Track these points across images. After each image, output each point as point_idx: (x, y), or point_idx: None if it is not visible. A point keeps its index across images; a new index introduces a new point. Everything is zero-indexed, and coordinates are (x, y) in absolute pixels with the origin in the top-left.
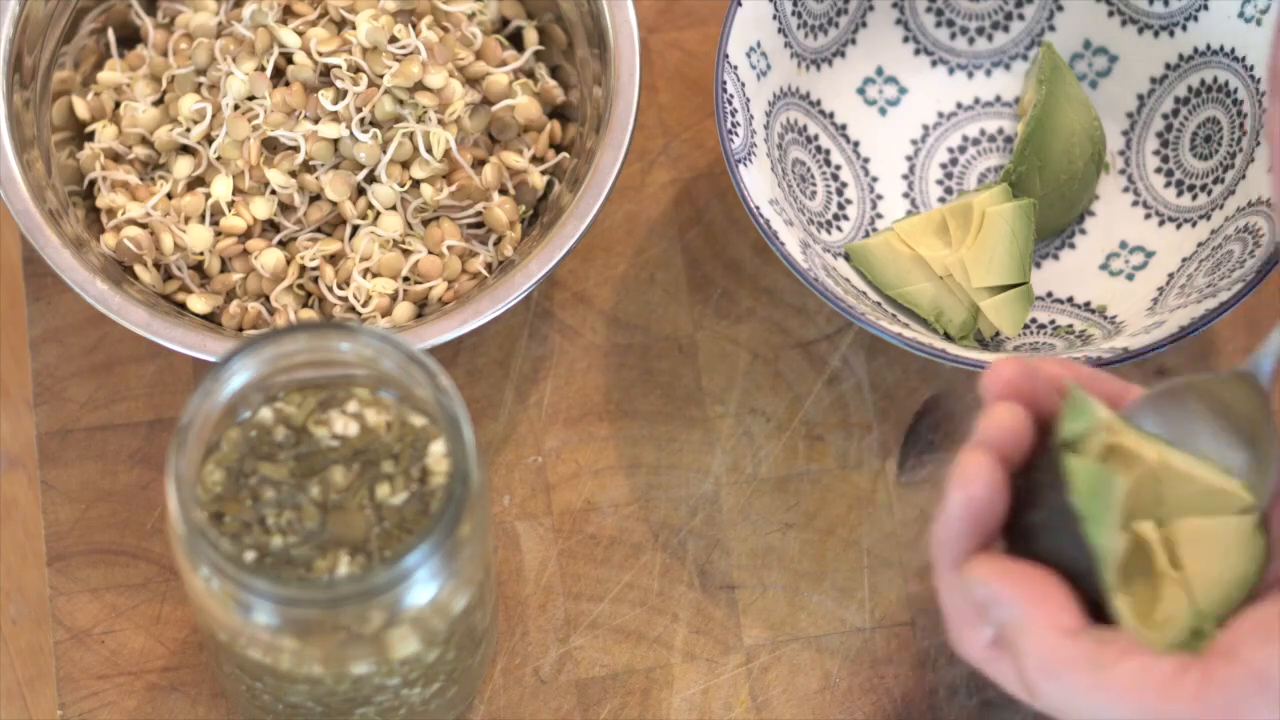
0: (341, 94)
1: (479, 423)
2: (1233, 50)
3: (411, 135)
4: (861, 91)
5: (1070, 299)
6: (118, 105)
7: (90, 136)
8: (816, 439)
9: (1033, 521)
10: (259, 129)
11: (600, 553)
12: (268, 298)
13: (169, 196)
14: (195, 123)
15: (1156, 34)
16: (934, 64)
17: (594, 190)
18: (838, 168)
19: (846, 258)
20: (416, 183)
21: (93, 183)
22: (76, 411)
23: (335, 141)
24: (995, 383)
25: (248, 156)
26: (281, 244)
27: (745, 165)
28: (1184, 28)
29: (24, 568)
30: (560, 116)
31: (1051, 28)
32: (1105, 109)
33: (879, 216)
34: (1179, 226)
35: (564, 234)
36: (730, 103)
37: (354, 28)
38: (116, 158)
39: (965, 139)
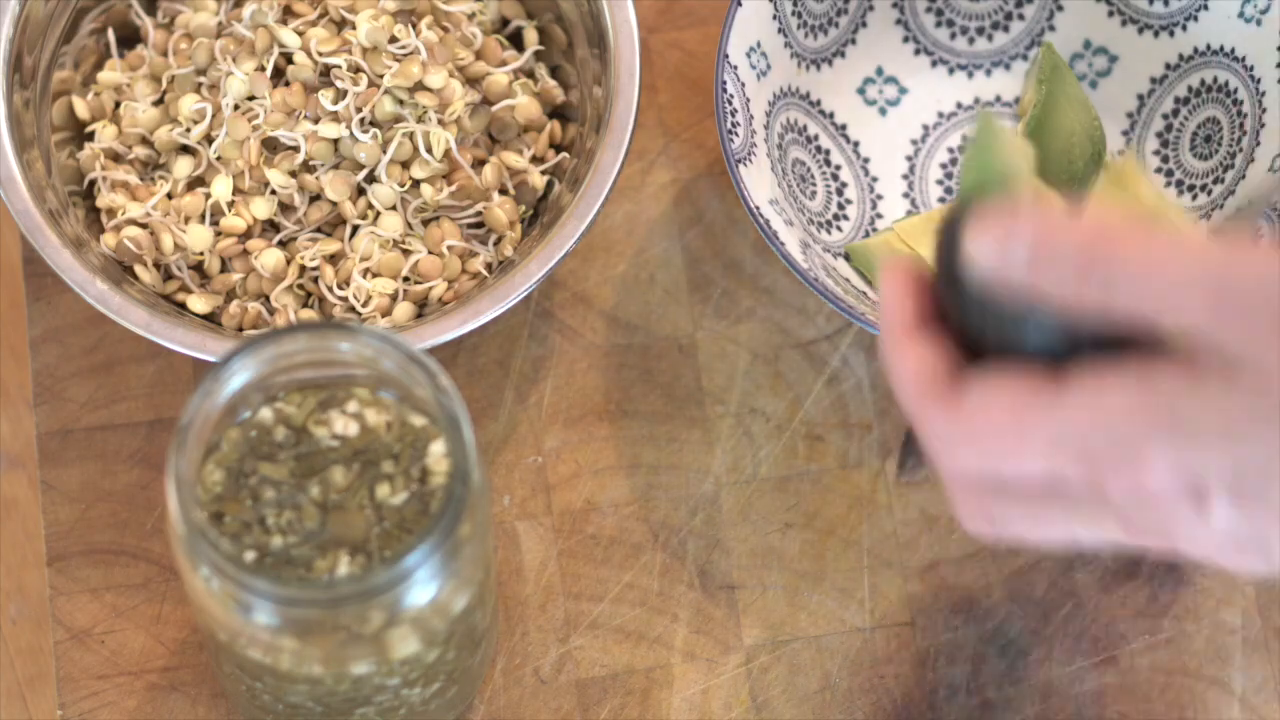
0: (341, 94)
1: (479, 423)
2: (1233, 50)
3: (411, 135)
4: (861, 91)
5: None
6: (118, 105)
7: (90, 136)
8: (816, 439)
9: (964, 324)
10: (259, 129)
11: (600, 553)
12: (268, 298)
13: (169, 196)
14: (195, 123)
15: (1156, 34)
16: (934, 64)
17: (594, 190)
18: (838, 168)
19: (846, 258)
20: (416, 183)
21: (93, 183)
22: (76, 411)
23: (335, 141)
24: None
25: (248, 156)
26: (281, 244)
27: (745, 165)
28: (1184, 28)
29: (24, 568)
30: (560, 116)
31: (1051, 28)
32: (1105, 109)
33: (879, 216)
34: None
35: (564, 234)
36: (730, 103)
37: (354, 28)
38: (116, 158)
39: (966, 139)
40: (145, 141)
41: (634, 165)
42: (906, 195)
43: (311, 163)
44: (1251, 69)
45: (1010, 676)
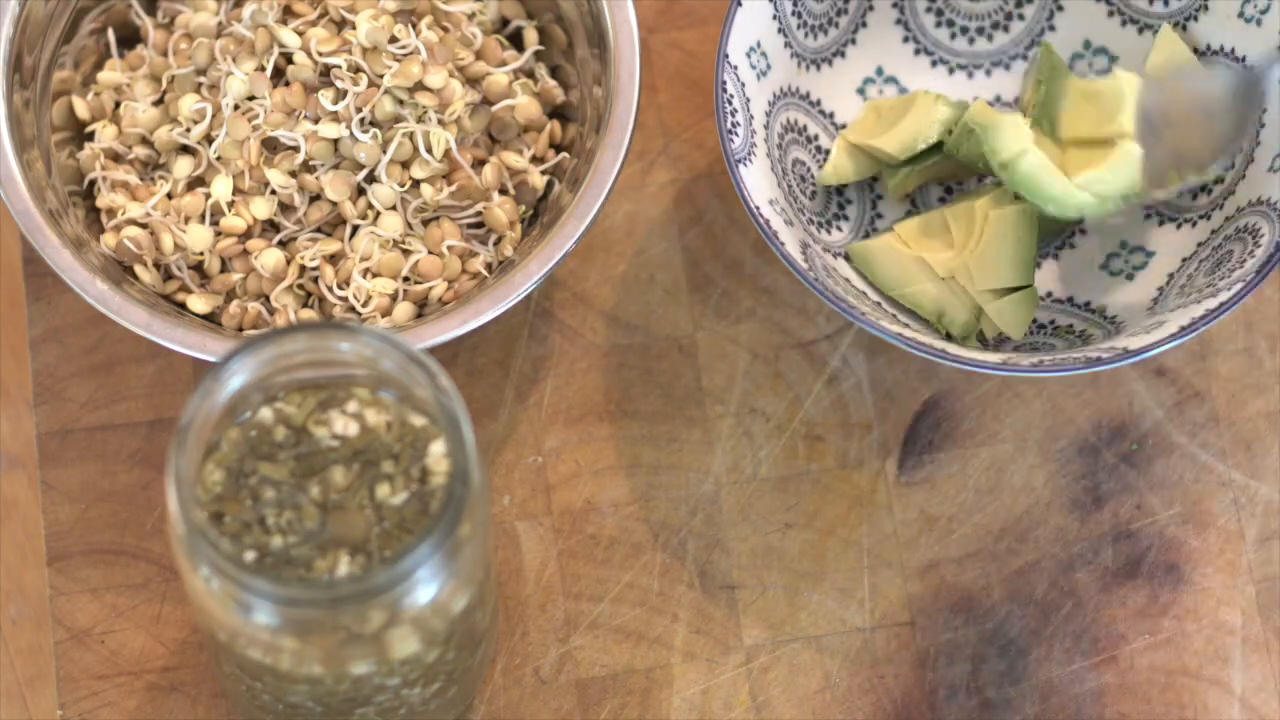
0: (341, 94)
1: (479, 423)
2: (1233, 50)
3: (411, 135)
4: (861, 92)
5: (1070, 299)
6: (118, 105)
7: (90, 136)
8: (816, 439)
9: None
10: (259, 129)
11: (600, 553)
12: (268, 298)
13: (169, 196)
14: (195, 123)
15: (1156, 33)
16: (934, 64)
17: (594, 190)
18: None
19: (847, 258)
20: (416, 183)
21: (93, 183)
22: (76, 411)
23: (335, 141)
24: None
25: (248, 156)
26: (281, 244)
27: (745, 165)
28: (1184, 27)
29: (24, 568)
30: (560, 116)
31: (1051, 28)
32: None
33: (879, 217)
34: (1179, 226)
35: (564, 234)
36: (730, 103)
37: (354, 28)
38: (116, 158)
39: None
40: (145, 141)
41: (634, 165)
42: (907, 195)
43: (311, 163)
44: (1252, 69)
45: (1010, 676)
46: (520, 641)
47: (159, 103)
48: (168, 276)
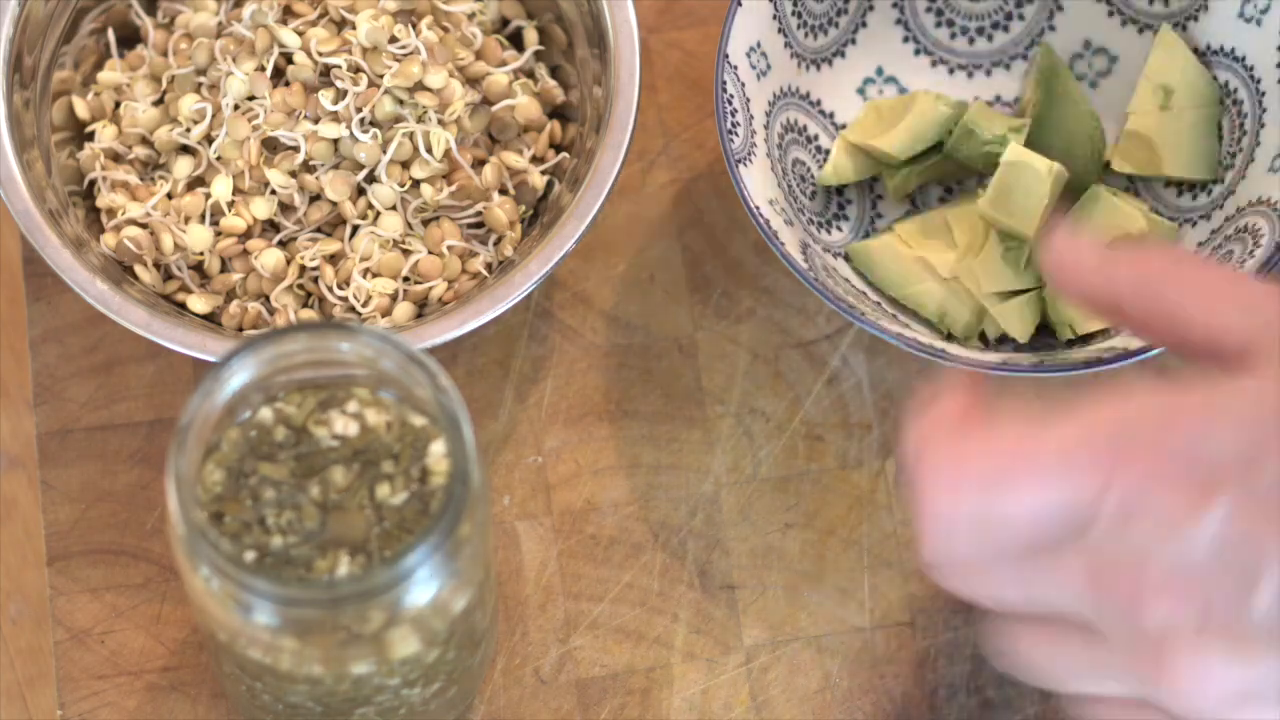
0: (341, 94)
1: (479, 423)
2: (1233, 50)
3: (411, 135)
4: (862, 91)
5: None
6: (118, 105)
7: (90, 136)
8: (816, 439)
9: None
10: (259, 129)
11: (600, 553)
12: (268, 298)
13: (169, 196)
14: (195, 123)
15: (1157, 33)
16: (934, 64)
17: (594, 190)
18: None
19: (847, 258)
20: (416, 183)
21: (93, 183)
22: (76, 411)
23: (335, 141)
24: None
25: (248, 156)
26: (281, 244)
27: (745, 165)
28: (1184, 27)
29: (24, 568)
30: (560, 116)
31: (1051, 27)
32: (1105, 109)
33: (879, 216)
34: (1180, 226)
35: (564, 234)
36: (730, 103)
37: (354, 28)
38: (116, 158)
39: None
40: (145, 141)
41: (634, 165)
42: (907, 196)
43: (311, 163)
44: (1251, 69)
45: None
46: (520, 641)
47: (159, 103)
48: (168, 276)
